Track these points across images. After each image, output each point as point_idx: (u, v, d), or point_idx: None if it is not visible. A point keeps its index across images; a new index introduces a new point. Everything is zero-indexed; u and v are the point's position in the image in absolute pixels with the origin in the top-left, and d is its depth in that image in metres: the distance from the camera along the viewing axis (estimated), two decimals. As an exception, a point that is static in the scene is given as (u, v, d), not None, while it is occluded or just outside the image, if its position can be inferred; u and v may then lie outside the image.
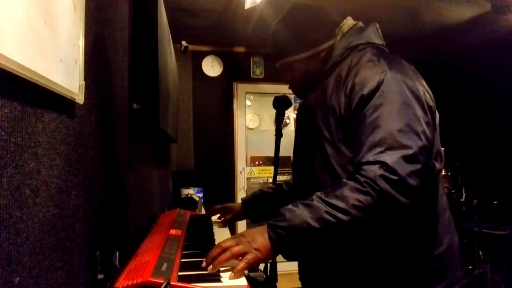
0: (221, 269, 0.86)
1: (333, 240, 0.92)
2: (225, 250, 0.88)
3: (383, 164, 0.89)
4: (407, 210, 0.90)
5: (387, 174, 0.87)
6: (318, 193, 0.93)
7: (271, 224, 0.92)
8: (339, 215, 0.87)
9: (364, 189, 0.88)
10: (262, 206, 1.44)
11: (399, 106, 0.95)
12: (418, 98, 0.97)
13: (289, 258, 0.95)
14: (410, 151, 0.90)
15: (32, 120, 0.61)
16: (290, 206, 0.93)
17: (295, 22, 1.18)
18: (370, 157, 0.91)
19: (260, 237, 0.91)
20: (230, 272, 0.83)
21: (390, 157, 0.89)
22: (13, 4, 0.52)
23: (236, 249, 0.88)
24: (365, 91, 0.98)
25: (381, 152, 0.90)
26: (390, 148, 0.90)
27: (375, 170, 0.89)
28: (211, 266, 0.84)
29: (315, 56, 1.16)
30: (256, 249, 0.89)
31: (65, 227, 0.74)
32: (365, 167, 0.91)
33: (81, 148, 0.85)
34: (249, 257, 0.87)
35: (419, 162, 0.90)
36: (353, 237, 0.94)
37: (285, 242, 0.90)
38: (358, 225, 0.89)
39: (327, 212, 0.88)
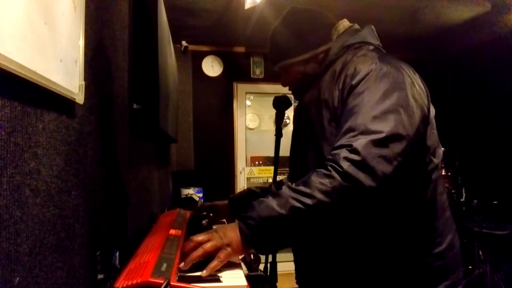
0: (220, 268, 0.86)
1: (305, 227, 0.91)
2: (197, 245, 0.88)
3: (349, 146, 0.90)
4: (375, 195, 0.89)
5: (350, 155, 0.88)
6: (289, 183, 0.94)
7: (242, 216, 0.92)
8: (304, 199, 0.87)
9: (328, 172, 0.89)
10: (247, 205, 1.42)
11: (380, 94, 0.95)
12: (402, 90, 0.97)
13: (262, 251, 0.95)
14: (380, 136, 0.90)
15: (32, 120, 0.61)
16: (261, 198, 0.94)
17: (294, 25, 1.20)
18: (343, 141, 0.93)
19: (232, 232, 0.91)
20: (228, 272, 0.84)
21: (359, 141, 0.90)
22: (13, 4, 0.52)
23: (208, 245, 0.87)
24: (354, 82, 1.00)
25: (353, 136, 0.92)
26: (361, 133, 0.91)
27: (340, 152, 0.90)
28: (182, 263, 0.83)
29: (314, 58, 1.18)
30: (227, 245, 0.89)
31: (65, 227, 0.74)
32: (333, 151, 0.93)
33: (81, 148, 0.85)
34: (221, 255, 0.87)
35: (388, 148, 0.89)
36: (327, 224, 0.92)
37: (256, 233, 0.90)
38: (325, 210, 0.88)
39: (293, 198, 0.88)
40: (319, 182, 0.88)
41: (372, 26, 1.19)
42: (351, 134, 0.92)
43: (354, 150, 0.89)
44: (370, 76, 0.98)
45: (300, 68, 1.19)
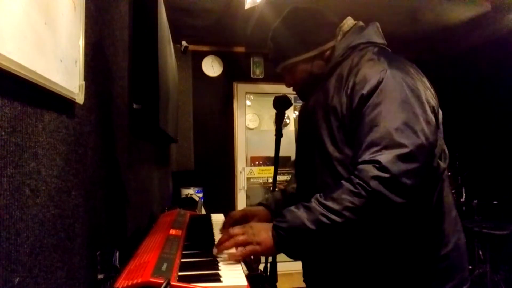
0: (221, 266, 0.86)
1: (333, 240, 0.94)
2: (231, 237, 0.94)
3: (377, 163, 0.89)
4: (404, 209, 0.90)
5: (379, 173, 0.88)
6: (318, 195, 0.95)
7: (274, 224, 0.96)
8: (333, 217, 0.90)
9: (356, 190, 0.89)
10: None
11: (398, 104, 0.94)
12: (418, 97, 0.97)
13: (291, 257, 0.99)
14: (406, 150, 0.89)
15: (32, 120, 0.61)
16: (292, 207, 0.96)
17: (297, 23, 1.18)
18: (367, 156, 0.92)
19: (264, 233, 0.95)
20: (228, 272, 0.84)
21: (385, 156, 0.89)
22: (13, 4, 0.52)
23: (241, 238, 0.94)
24: (365, 90, 0.98)
25: (377, 151, 0.91)
26: (386, 147, 0.90)
27: (369, 170, 0.90)
28: (215, 249, 0.92)
29: (319, 56, 1.16)
30: (257, 243, 0.94)
31: (65, 227, 0.74)
32: (359, 166, 0.92)
33: (81, 148, 0.85)
34: (248, 248, 0.93)
35: (415, 161, 0.89)
36: (354, 236, 0.95)
37: (286, 242, 0.94)
38: (353, 226, 0.91)
39: (322, 214, 0.91)
40: (348, 200, 0.89)
41: (377, 24, 1.17)
42: (375, 148, 0.92)
43: (382, 168, 0.88)
44: (383, 85, 0.96)
45: (306, 66, 1.17)
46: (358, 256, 1.05)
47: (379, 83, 0.97)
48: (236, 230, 0.96)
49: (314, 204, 0.94)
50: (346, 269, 1.07)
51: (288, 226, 0.93)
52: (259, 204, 1.38)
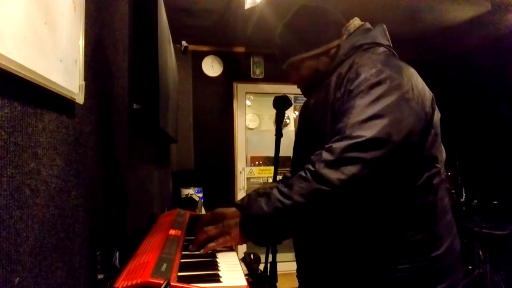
0: (220, 267, 0.86)
1: (291, 224, 0.98)
2: (205, 233, 0.99)
3: (329, 148, 0.93)
4: (348, 195, 0.92)
5: (326, 156, 0.92)
6: (279, 185, 1.00)
7: (241, 213, 1.01)
8: (285, 201, 0.94)
9: (304, 175, 0.95)
10: None
11: (371, 99, 0.96)
12: (395, 95, 0.96)
13: (258, 243, 1.02)
14: (359, 139, 0.92)
15: (32, 120, 0.61)
16: (259, 197, 1.03)
17: (305, 21, 1.21)
18: (328, 143, 0.96)
19: (234, 224, 1.00)
20: (228, 272, 0.84)
21: (339, 143, 0.93)
22: (13, 4, 0.52)
23: (213, 232, 0.99)
24: (352, 86, 1.00)
25: (337, 139, 0.94)
26: (346, 137, 0.93)
27: (320, 154, 0.94)
28: (191, 246, 0.96)
29: (325, 53, 1.18)
30: (228, 233, 0.99)
31: (65, 227, 0.74)
32: (317, 152, 0.96)
33: (81, 148, 0.85)
34: (220, 240, 0.98)
35: (366, 151, 0.91)
36: (316, 221, 0.97)
37: (251, 228, 0.99)
38: (302, 210, 0.94)
39: (277, 199, 0.95)
40: (297, 185, 0.94)
41: (384, 26, 1.18)
42: (337, 137, 0.95)
43: (330, 151, 0.93)
44: (366, 80, 0.98)
45: (312, 63, 1.19)
46: (346, 255, 1.05)
47: (365, 79, 0.99)
48: (209, 227, 1.01)
49: (274, 191, 0.98)
50: (337, 266, 1.08)
51: (251, 212, 0.99)
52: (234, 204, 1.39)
